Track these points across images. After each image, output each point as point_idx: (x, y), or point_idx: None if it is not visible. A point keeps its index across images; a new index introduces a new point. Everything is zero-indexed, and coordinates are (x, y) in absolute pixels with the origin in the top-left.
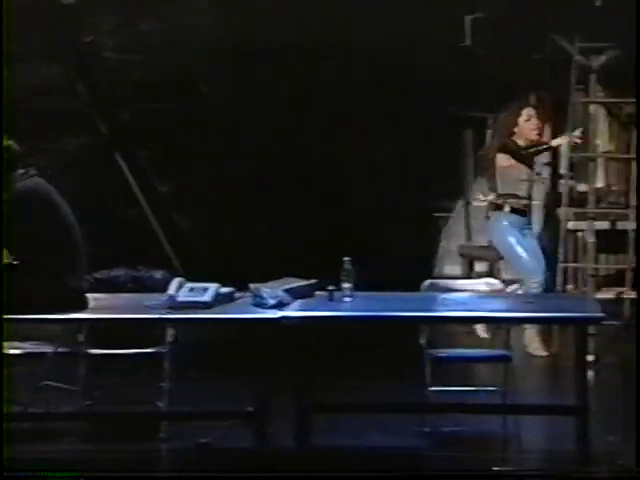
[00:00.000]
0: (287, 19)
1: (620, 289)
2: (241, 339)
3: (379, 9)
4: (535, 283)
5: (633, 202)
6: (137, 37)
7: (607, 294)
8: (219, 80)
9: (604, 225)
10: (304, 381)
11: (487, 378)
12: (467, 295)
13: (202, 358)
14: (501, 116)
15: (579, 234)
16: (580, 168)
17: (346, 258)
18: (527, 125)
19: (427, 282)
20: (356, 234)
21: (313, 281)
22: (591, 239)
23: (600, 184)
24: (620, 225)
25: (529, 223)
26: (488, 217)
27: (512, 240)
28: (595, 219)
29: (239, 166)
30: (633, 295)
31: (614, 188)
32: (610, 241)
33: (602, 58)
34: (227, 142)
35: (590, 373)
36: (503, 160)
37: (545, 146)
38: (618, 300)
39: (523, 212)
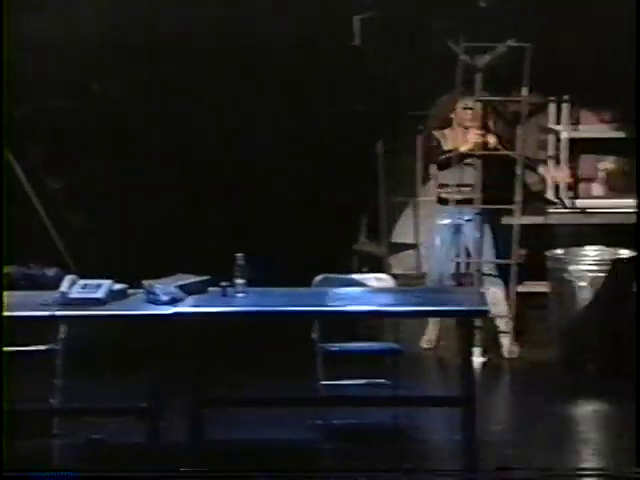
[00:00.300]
0: (176, 17)
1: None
2: (134, 335)
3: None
4: (431, 282)
5: (517, 197)
6: (28, 34)
7: None
8: (112, 78)
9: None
10: (197, 377)
11: (378, 371)
12: (358, 290)
13: (95, 355)
14: (442, 99)
15: None
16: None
17: (239, 254)
18: (463, 113)
19: (319, 277)
20: (249, 231)
21: (206, 277)
22: (477, 234)
23: None
24: (505, 220)
25: (470, 215)
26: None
27: (433, 234)
28: (481, 214)
29: (133, 163)
30: (519, 289)
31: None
32: (495, 236)
33: (487, 57)
34: (122, 140)
35: (477, 365)
36: None
37: (451, 154)
38: None
39: (457, 202)
